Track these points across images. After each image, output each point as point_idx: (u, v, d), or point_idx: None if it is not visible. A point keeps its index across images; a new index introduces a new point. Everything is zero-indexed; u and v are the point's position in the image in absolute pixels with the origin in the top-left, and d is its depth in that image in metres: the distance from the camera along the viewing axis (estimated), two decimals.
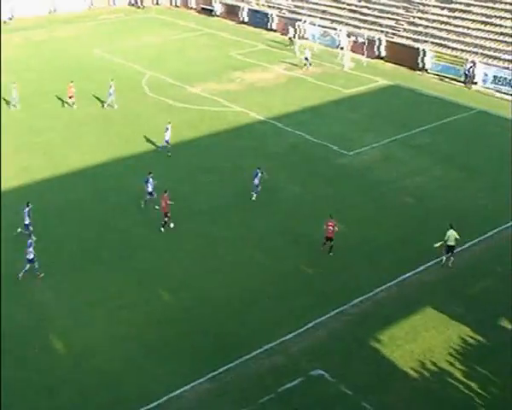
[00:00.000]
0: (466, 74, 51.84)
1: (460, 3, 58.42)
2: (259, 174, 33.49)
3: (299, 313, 25.67)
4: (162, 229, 30.81)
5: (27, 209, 29.63)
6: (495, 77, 50.89)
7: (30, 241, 27.32)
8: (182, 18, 74.41)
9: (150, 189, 32.16)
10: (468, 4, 57.96)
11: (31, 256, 26.96)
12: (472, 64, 51.83)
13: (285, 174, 36.89)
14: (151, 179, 32.07)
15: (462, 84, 52.00)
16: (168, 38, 65.86)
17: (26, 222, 29.58)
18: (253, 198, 33.61)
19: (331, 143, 40.61)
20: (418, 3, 61.10)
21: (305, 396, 21.84)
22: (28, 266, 27.00)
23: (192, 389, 22.07)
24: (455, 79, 52.92)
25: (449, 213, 32.38)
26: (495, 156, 39.44)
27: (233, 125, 43.42)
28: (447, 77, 53.58)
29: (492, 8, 56.35)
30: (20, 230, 29.69)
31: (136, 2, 79.98)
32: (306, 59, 55.40)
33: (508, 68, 50.69)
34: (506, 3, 55.94)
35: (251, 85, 51.25)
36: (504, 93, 49.98)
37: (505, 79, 50.17)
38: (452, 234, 28.36)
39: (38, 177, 35.77)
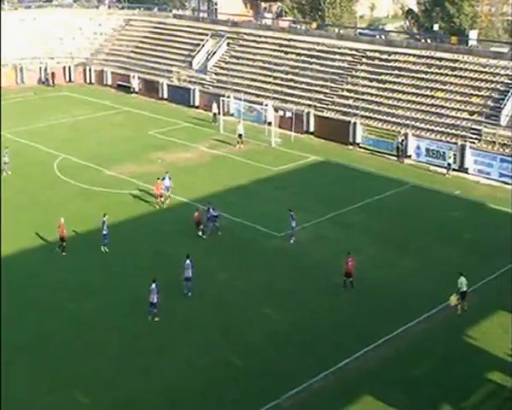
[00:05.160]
0: (398, 148, 54.29)
1: (390, 75, 61.58)
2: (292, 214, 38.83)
3: None
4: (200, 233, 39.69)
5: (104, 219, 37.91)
6: (428, 150, 53.48)
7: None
8: (97, 96, 75.50)
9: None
10: (398, 76, 61.17)
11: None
12: (404, 137, 54.40)
13: (213, 259, 37.57)
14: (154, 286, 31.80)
15: (395, 158, 54.40)
16: (82, 117, 66.73)
17: (104, 233, 37.93)
18: (292, 241, 39.08)
19: (260, 224, 41.66)
20: (347, 75, 64.03)
21: None
22: None
23: None
24: (387, 153, 55.33)
25: (384, 294, 33.70)
26: (430, 233, 41.15)
27: (154, 208, 44.08)
28: (379, 151, 55.96)
29: (422, 78, 59.59)
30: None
31: (47, 80, 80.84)
32: (240, 136, 57.00)
33: (441, 141, 53.41)
34: (436, 74, 59.30)
35: (173, 166, 52.13)
36: (438, 166, 52.50)
37: (438, 151, 52.79)
38: (463, 280, 31.95)
39: None
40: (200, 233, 39.97)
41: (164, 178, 44.86)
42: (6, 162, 49.89)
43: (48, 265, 37.12)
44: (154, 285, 31.38)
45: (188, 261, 33.53)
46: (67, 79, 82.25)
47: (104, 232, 38.19)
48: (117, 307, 32.92)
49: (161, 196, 44.38)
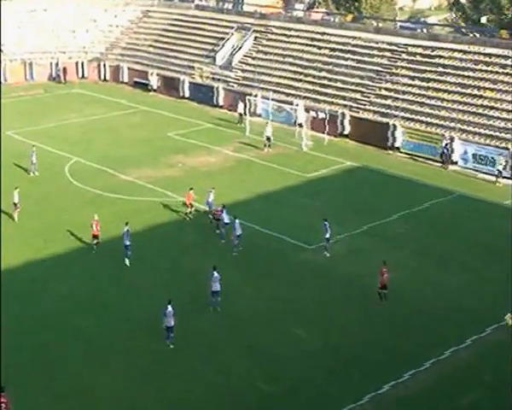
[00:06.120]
0: (443, 153, 53.90)
1: (434, 72, 61.24)
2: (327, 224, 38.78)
3: None
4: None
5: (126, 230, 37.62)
6: (475, 155, 53.01)
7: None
8: (112, 94, 76.07)
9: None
10: (443, 73, 60.81)
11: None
12: (449, 141, 53.99)
13: (236, 274, 37.48)
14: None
15: (439, 165, 54.01)
16: (95, 117, 67.22)
17: (127, 243, 37.52)
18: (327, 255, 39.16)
19: (289, 235, 41.55)
20: (386, 73, 63.81)
21: None
22: None
23: None
24: (430, 159, 54.99)
25: (426, 313, 33.38)
26: (477, 247, 40.78)
27: (174, 217, 44.15)
28: (421, 156, 55.67)
29: (469, 76, 59.20)
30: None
31: (59, 77, 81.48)
32: (268, 139, 57.01)
33: (490, 145, 52.92)
34: (485, 71, 58.92)
35: (194, 171, 52.32)
36: (486, 173, 52.04)
37: (487, 157, 52.29)
38: None
39: None
40: (218, 231, 41.41)
41: (209, 195, 43.78)
42: (34, 163, 50.71)
43: (56, 275, 37.29)
44: (170, 308, 30.86)
45: (216, 274, 33.38)
46: (80, 75, 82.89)
47: (127, 243, 37.83)
48: (130, 323, 32.88)
49: (192, 207, 44.02)
